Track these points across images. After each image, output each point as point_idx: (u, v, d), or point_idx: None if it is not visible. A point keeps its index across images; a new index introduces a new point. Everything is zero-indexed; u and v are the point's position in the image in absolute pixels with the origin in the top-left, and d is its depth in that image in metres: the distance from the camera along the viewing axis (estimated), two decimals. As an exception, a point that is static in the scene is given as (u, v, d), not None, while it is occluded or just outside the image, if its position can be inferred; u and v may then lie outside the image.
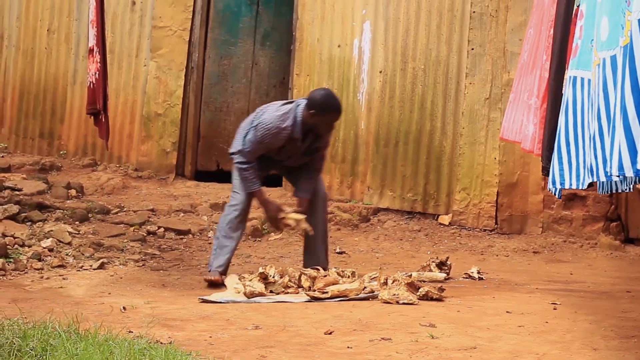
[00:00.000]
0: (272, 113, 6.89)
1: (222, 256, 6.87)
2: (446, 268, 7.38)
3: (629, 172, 4.15)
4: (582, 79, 5.07)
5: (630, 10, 4.17)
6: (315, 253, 7.13)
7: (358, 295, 6.44)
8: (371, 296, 6.45)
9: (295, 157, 7.05)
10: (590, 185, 5.22)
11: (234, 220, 6.91)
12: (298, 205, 7.06)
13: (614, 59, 4.46)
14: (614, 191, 6.45)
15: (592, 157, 4.77)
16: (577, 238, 9.15)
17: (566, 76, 5.30)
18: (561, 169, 5.34)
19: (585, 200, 9.23)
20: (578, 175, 5.16)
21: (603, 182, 6.48)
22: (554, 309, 6.27)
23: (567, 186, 5.35)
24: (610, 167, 4.33)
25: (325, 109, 6.86)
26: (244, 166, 6.83)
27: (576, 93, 5.13)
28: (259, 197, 6.92)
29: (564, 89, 5.41)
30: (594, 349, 5.11)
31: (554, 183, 5.46)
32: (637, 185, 8.91)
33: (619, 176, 4.30)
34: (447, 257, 7.56)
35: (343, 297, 6.39)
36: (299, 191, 7.11)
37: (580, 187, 5.19)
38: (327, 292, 6.39)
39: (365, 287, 6.58)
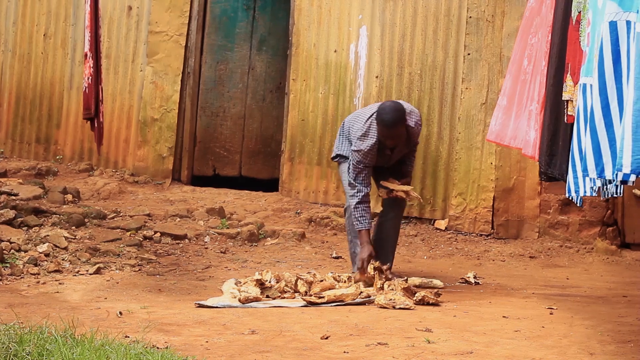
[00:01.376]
0: (357, 133, 7.11)
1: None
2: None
3: (593, 174, 4.19)
4: (591, 86, 5.08)
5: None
6: (384, 253, 7.24)
7: (354, 300, 6.44)
8: (367, 301, 6.45)
9: (388, 161, 7.30)
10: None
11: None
12: (404, 175, 7.36)
13: None
14: (614, 195, 6.46)
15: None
16: (574, 243, 9.15)
17: (579, 84, 5.31)
18: (575, 177, 5.35)
19: (582, 205, 9.23)
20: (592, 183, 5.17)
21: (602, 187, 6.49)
22: (551, 313, 6.27)
23: (582, 194, 5.36)
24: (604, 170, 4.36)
25: (378, 120, 7.02)
26: (354, 191, 7.08)
27: (586, 100, 5.14)
28: (362, 238, 7.04)
29: (575, 96, 5.41)
30: (591, 354, 5.12)
31: (569, 191, 5.47)
32: (634, 190, 8.93)
33: (611, 181, 4.32)
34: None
35: (339, 302, 6.39)
36: (402, 173, 7.34)
37: (594, 195, 5.21)
38: (323, 297, 6.38)
39: (361, 292, 6.57)
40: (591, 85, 5.08)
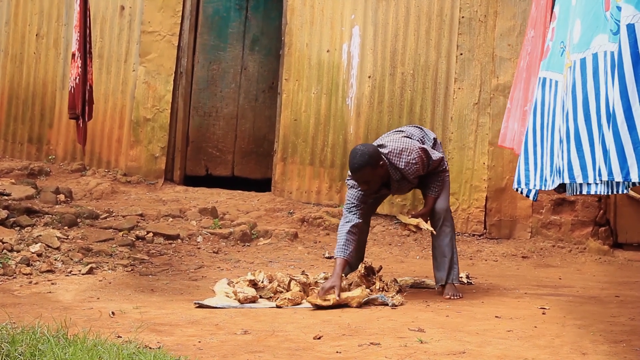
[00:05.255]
0: None
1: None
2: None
3: (618, 177, 4.16)
4: (551, 80, 5.10)
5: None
6: (436, 267, 6.85)
7: (361, 302, 6.33)
8: (371, 301, 6.39)
9: (397, 190, 6.78)
10: (562, 188, 5.26)
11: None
12: (424, 204, 6.85)
13: (583, 61, 4.48)
14: (580, 193, 6.48)
15: (560, 159, 4.80)
16: (566, 243, 9.16)
17: (539, 77, 5.33)
18: (527, 169, 5.37)
19: (574, 205, 9.24)
20: (542, 177, 5.19)
21: (569, 184, 6.51)
22: (543, 313, 6.28)
23: (531, 187, 5.38)
24: (584, 172, 4.35)
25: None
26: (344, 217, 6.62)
27: (545, 95, 5.16)
28: (335, 267, 6.45)
29: (535, 90, 5.43)
30: (583, 354, 5.12)
31: (519, 183, 5.49)
32: (628, 191, 8.94)
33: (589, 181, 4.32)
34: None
35: (345, 305, 6.29)
36: (425, 201, 6.83)
37: (544, 189, 5.22)
38: (329, 300, 6.27)
39: (367, 295, 6.47)
40: (551, 80, 5.09)
